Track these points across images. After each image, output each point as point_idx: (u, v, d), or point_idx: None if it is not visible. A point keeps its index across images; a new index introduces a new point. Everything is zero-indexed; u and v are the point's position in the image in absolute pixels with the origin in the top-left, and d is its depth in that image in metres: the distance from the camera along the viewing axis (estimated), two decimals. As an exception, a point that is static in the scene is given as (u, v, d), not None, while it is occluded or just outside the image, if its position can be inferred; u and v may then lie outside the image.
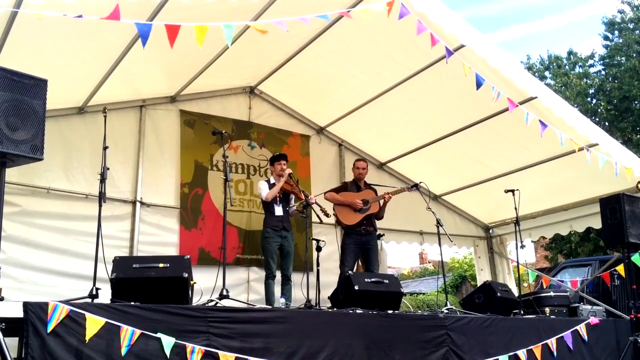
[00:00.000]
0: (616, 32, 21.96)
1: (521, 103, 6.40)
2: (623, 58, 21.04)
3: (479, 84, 5.58)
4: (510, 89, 6.10)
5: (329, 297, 6.17)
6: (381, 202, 7.24)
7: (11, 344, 3.74)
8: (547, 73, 23.58)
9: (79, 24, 4.48)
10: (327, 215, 6.84)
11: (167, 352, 3.94)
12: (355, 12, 5.01)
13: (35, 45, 5.25)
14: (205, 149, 7.56)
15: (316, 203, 6.61)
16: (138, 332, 3.90)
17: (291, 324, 4.71)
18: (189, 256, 4.89)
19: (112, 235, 6.53)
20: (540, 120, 6.19)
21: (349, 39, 6.55)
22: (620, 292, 9.19)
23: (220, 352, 4.17)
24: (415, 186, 7.30)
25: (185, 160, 7.43)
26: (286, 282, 6.77)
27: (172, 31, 4.10)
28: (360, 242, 7.14)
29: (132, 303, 4.17)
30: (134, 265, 4.70)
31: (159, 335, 3.96)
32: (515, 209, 7.18)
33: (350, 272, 6.28)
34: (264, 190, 6.84)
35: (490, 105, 6.80)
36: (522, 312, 6.73)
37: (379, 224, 7.49)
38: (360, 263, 7.40)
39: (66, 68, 5.71)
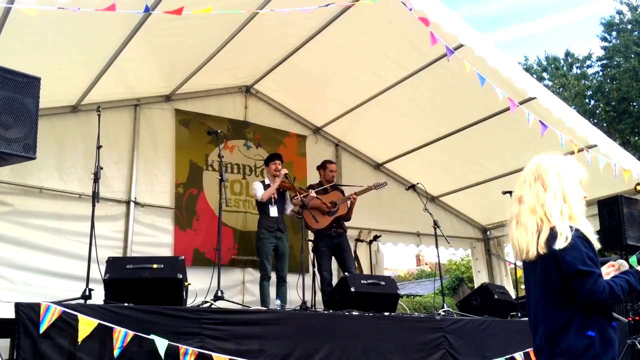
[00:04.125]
0: (614, 34, 22.00)
1: (520, 103, 6.36)
2: (621, 59, 21.07)
3: (481, 83, 5.53)
4: (508, 90, 6.04)
5: (324, 299, 6.13)
6: (349, 203, 7.00)
7: (3, 345, 3.70)
8: (545, 74, 23.65)
9: (73, 21, 4.43)
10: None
11: (161, 353, 3.89)
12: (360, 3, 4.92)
13: (29, 42, 5.20)
14: (201, 149, 7.50)
15: (317, 197, 6.55)
16: (131, 333, 3.87)
17: (286, 325, 4.68)
18: (183, 257, 4.87)
19: (105, 235, 6.46)
20: (540, 121, 6.15)
21: (345, 38, 6.50)
22: (617, 294, 9.16)
23: (213, 354, 4.13)
24: (382, 185, 7.17)
25: (180, 160, 7.36)
26: (281, 283, 6.69)
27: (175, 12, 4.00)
28: (333, 244, 6.93)
29: (126, 304, 4.14)
30: (128, 266, 4.67)
31: (152, 336, 3.92)
32: (513, 210, 7.13)
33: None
34: (258, 191, 6.77)
35: (488, 106, 6.76)
36: (519, 314, 6.70)
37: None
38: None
39: (60, 66, 5.66)
